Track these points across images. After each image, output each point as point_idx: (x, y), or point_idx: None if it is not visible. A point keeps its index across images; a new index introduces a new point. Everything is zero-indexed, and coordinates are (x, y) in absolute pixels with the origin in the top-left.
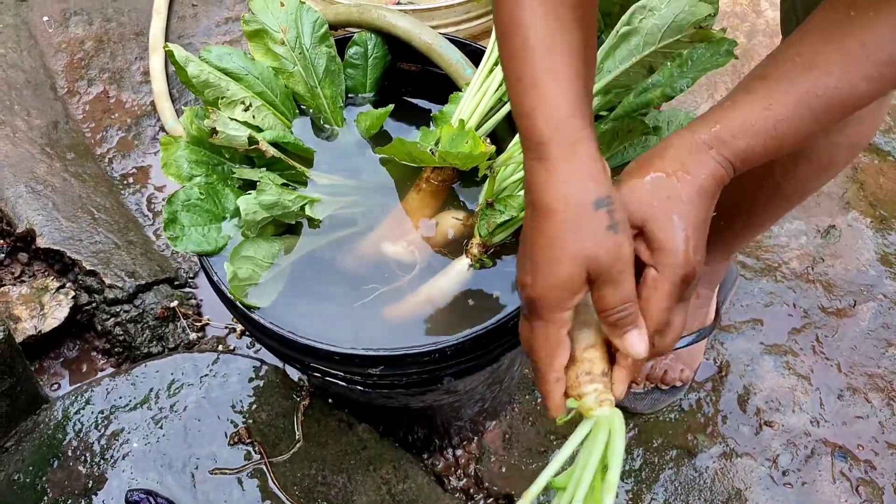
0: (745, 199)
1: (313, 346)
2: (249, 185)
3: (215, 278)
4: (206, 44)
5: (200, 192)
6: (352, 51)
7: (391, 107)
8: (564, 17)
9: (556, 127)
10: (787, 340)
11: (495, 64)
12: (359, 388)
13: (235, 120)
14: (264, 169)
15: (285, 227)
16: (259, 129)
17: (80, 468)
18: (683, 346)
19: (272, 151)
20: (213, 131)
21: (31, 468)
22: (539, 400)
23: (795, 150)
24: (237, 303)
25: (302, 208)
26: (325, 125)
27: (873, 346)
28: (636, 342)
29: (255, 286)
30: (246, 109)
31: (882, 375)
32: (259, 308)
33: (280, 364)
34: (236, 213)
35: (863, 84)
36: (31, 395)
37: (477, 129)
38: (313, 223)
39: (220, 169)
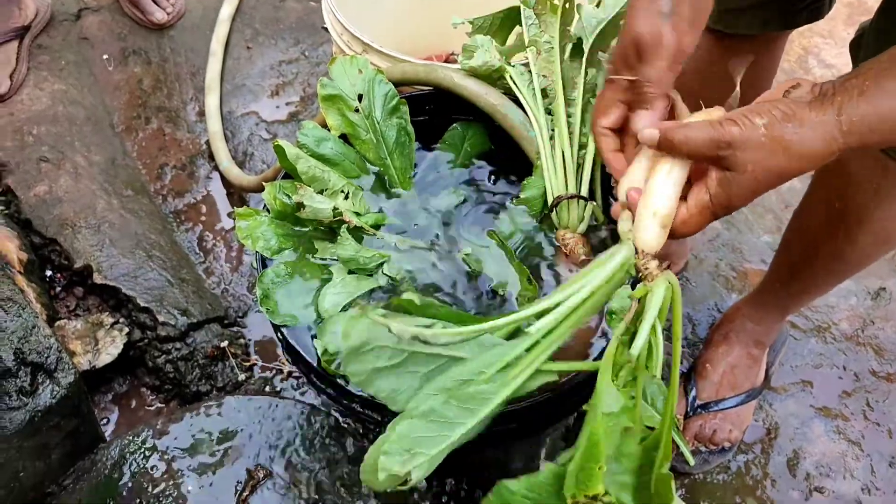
0: (805, 263)
1: None
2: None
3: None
4: (259, 86)
5: (287, 269)
6: (448, 134)
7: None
8: None
9: None
10: (837, 404)
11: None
12: None
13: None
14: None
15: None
16: (358, 214)
17: None
18: (733, 407)
19: (355, 221)
20: (301, 206)
21: None
22: None
23: None
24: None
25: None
26: (392, 187)
27: None
28: (641, 120)
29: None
30: (346, 198)
31: None
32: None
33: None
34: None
35: None
36: (91, 434)
37: None
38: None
39: (303, 241)
